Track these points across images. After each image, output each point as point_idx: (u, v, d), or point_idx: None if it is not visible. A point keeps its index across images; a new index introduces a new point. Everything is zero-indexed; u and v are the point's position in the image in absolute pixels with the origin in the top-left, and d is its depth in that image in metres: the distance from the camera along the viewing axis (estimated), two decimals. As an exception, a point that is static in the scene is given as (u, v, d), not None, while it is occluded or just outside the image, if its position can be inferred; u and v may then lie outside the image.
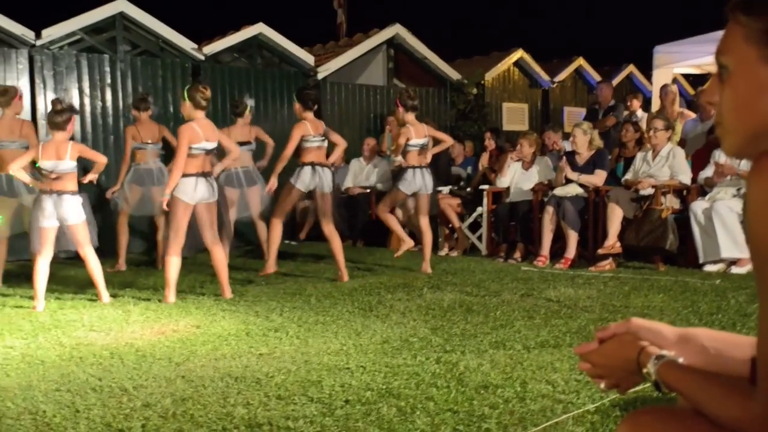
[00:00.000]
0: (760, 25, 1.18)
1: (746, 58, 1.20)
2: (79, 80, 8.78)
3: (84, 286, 6.26)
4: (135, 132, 7.54)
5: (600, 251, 6.93)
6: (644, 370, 1.40)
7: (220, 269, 5.86)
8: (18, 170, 5.47)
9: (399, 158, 7.07)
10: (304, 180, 6.54)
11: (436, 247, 8.44)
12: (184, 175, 5.63)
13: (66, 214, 5.49)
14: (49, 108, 8.34)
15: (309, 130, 6.53)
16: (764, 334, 1.15)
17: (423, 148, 7.01)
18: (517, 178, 8.16)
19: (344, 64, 10.91)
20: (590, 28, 27.35)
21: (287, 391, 3.30)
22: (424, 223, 7.09)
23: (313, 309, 5.30)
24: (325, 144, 6.73)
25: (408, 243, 7.12)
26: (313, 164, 6.54)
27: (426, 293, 5.85)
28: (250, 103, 7.85)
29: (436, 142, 7.63)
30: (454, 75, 11.94)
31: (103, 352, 4.12)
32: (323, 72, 10.63)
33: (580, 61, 13.54)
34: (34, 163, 5.65)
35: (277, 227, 6.77)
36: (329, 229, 6.67)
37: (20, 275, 6.93)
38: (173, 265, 5.68)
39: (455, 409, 3.01)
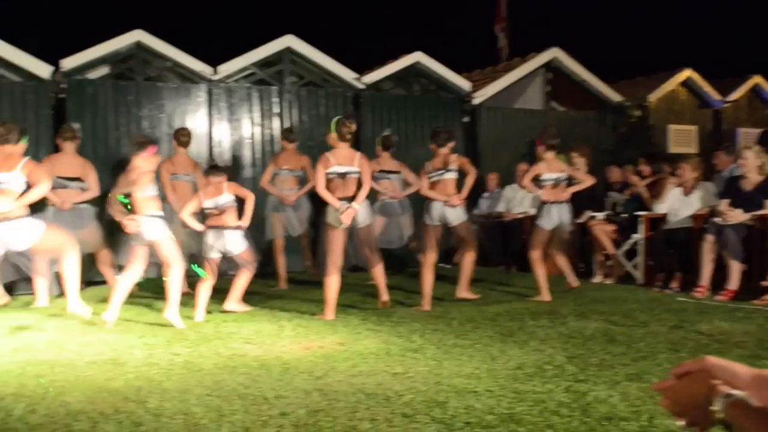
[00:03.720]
0: None
1: None
2: (251, 111, 9.51)
3: (247, 301, 6.76)
4: (278, 160, 8.16)
5: (764, 283, 6.48)
6: (712, 408, 1.40)
7: (379, 280, 6.38)
8: (188, 216, 6.23)
9: (538, 192, 7.18)
10: (432, 215, 6.82)
11: (588, 274, 8.26)
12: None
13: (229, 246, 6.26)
14: (225, 137, 9.18)
15: (437, 165, 6.87)
16: None
17: (558, 183, 7.09)
18: (677, 203, 7.81)
19: (501, 89, 10.98)
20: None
21: (413, 410, 3.44)
22: (556, 253, 7.33)
23: (453, 332, 5.41)
24: (450, 175, 6.88)
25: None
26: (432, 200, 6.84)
27: (570, 321, 5.77)
28: (392, 136, 8.38)
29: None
30: (615, 97, 11.63)
31: (253, 363, 4.47)
32: (479, 97, 10.76)
33: (757, 79, 12.69)
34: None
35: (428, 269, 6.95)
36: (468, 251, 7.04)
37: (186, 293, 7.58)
38: (331, 285, 6.07)
39: (574, 438, 3.00)
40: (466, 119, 10.68)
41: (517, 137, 10.98)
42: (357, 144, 9.83)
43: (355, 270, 8.41)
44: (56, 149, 7.57)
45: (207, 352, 4.83)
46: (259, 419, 3.34)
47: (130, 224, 5.73)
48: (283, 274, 8.11)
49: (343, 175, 6.12)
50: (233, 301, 6.44)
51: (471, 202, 10.52)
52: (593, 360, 4.43)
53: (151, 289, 7.64)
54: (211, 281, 6.24)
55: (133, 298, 6.75)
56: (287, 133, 8.28)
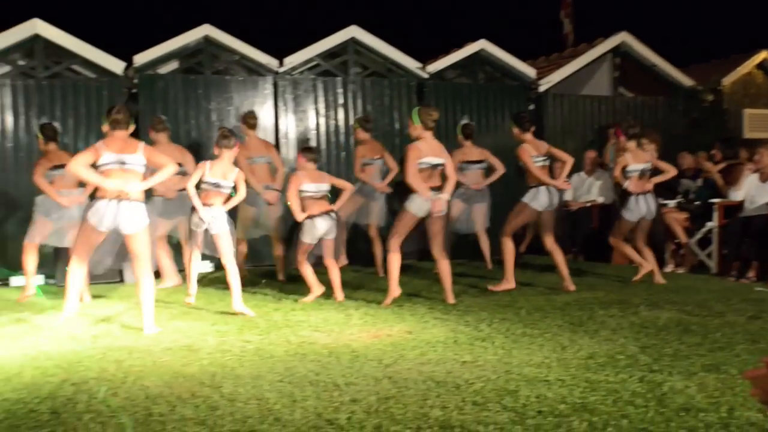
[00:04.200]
0: None
1: None
2: (315, 102, 9.59)
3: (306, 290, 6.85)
4: (361, 150, 8.15)
5: None
6: None
7: (444, 278, 6.28)
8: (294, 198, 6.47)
9: (625, 183, 7.11)
10: (540, 201, 6.80)
11: (661, 264, 8.07)
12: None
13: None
14: (291, 128, 9.29)
15: (532, 151, 6.79)
16: None
17: (644, 174, 7.10)
18: (754, 190, 7.55)
19: (567, 76, 10.77)
20: None
21: (483, 398, 3.43)
22: (640, 244, 7.26)
23: (522, 321, 5.36)
24: (548, 162, 6.92)
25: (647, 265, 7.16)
26: (542, 184, 6.79)
27: (641, 310, 5.65)
28: (471, 123, 8.36)
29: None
30: (686, 81, 11.27)
31: (322, 350, 4.53)
32: (545, 84, 10.58)
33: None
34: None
35: (509, 244, 7.03)
36: (551, 243, 6.89)
37: (252, 281, 7.73)
38: (394, 261, 6.22)
39: (650, 429, 2.94)
40: (531, 107, 10.53)
41: (584, 124, 10.78)
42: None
43: (421, 259, 8.42)
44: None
45: (277, 339, 4.92)
46: (331, 405, 3.39)
47: (204, 215, 5.89)
48: (381, 261, 8.17)
49: (434, 167, 6.14)
50: (340, 292, 6.57)
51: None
52: (667, 350, 4.34)
53: (220, 280, 7.83)
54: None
55: (204, 287, 6.92)
56: (364, 122, 8.27)
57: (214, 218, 5.94)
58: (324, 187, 6.59)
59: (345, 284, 7.42)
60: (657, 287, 6.82)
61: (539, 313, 5.67)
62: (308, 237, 6.49)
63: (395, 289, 6.22)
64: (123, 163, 5.23)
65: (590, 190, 9.56)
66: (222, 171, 5.97)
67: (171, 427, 3.13)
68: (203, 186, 5.98)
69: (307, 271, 6.57)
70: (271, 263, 8.23)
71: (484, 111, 10.09)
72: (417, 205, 6.14)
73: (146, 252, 5.27)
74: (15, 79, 8.52)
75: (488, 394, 3.50)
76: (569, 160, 6.94)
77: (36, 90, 8.50)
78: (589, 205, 9.41)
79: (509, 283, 6.89)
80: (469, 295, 6.66)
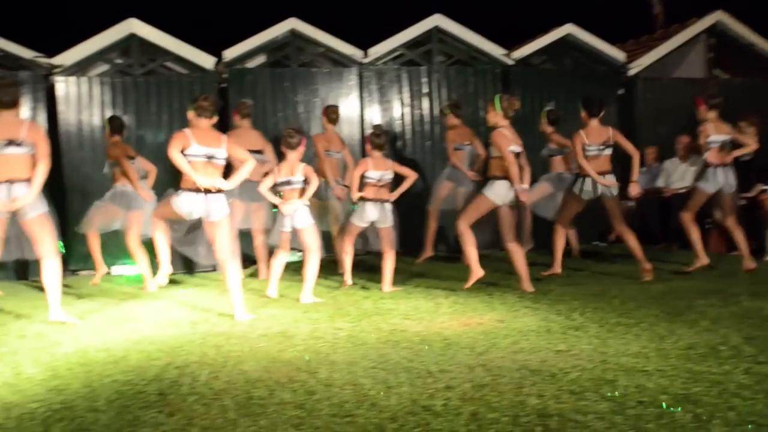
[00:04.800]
0: None
1: None
2: (400, 92, 9.61)
3: (402, 279, 6.91)
4: (451, 135, 8.17)
5: None
6: None
7: (519, 266, 6.25)
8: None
9: (705, 154, 6.88)
10: (587, 191, 6.72)
11: (760, 252, 7.73)
12: (498, 178, 6.12)
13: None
14: (376, 119, 9.35)
15: (585, 139, 6.72)
16: None
17: (724, 146, 6.81)
18: None
19: (658, 58, 10.42)
20: None
21: (580, 387, 3.38)
22: (732, 222, 6.96)
23: (615, 310, 5.24)
24: (608, 152, 6.77)
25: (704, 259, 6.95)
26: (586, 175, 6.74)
27: (743, 301, 5.42)
28: (556, 110, 8.22)
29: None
30: (788, 61, 10.71)
31: (414, 338, 4.55)
32: (635, 68, 10.27)
33: None
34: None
35: (560, 232, 7.15)
36: (622, 229, 6.78)
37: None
38: (468, 242, 6.24)
39: (760, 422, 2.83)
40: (621, 91, 10.24)
41: (677, 108, 10.35)
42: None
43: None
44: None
45: (368, 327, 4.97)
46: (426, 392, 3.40)
47: (285, 209, 6.03)
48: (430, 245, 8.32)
49: (517, 155, 6.15)
50: (388, 284, 6.60)
51: (626, 177, 10.14)
52: (773, 341, 4.15)
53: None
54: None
55: (291, 276, 7.05)
56: (454, 108, 8.26)
57: (296, 212, 6.08)
58: (387, 175, 6.56)
59: (431, 272, 7.47)
60: (759, 276, 6.53)
61: (633, 302, 5.53)
62: (357, 219, 6.58)
63: (477, 270, 6.20)
64: (210, 157, 5.40)
65: (684, 177, 9.23)
66: (289, 169, 6.14)
67: (271, 410, 3.22)
68: (277, 188, 6.17)
69: (346, 257, 6.69)
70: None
71: (571, 97, 9.79)
72: (497, 194, 6.13)
73: (228, 239, 5.43)
74: (113, 77, 8.90)
75: (585, 383, 3.45)
76: (635, 155, 6.78)
77: (132, 87, 8.84)
78: (683, 191, 9.08)
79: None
80: (558, 284, 6.55)
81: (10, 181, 5.16)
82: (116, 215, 7.30)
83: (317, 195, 7.19)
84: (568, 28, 10.04)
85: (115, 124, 7.41)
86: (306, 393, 3.45)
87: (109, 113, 8.72)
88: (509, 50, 9.96)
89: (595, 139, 6.69)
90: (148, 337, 4.81)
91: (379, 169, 6.54)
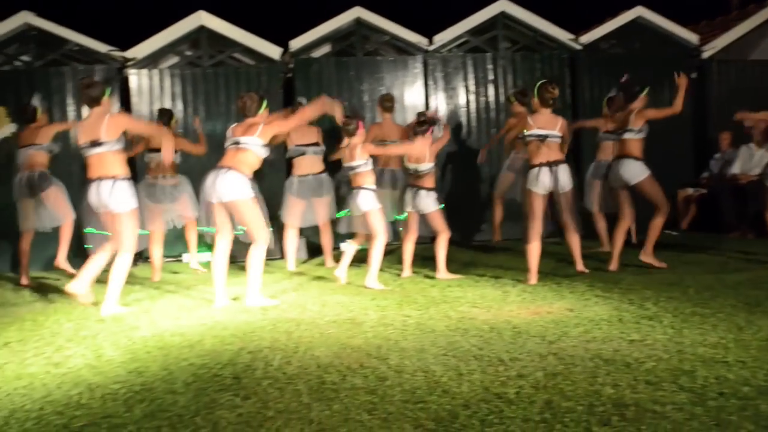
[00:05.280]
0: None
1: None
2: (465, 79, 9.54)
3: (468, 267, 6.87)
4: (517, 123, 8.06)
5: None
6: None
7: (573, 249, 6.43)
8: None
9: None
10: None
11: None
12: (532, 167, 6.16)
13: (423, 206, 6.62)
14: (441, 107, 9.30)
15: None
16: None
17: None
18: None
19: (734, 40, 10.06)
20: None
21: (657, 378, 3.30)
22: None
23: (690, 300, 5.10)
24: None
25: None
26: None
27: (827, 291, 5.21)
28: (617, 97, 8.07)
29: None
30: None
31: (483, 326, 4.53)
32: (709, 50, 9.95)
33: None
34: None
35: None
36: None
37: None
38: (533, 251, 6.11)
39: None
40: (693, 75, 9.93)
41: (754, 92, 10.00)
42: (575, 108, 9.58)
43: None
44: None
45: (437, 314, 4.97)
46: (497, 379, 3.38)
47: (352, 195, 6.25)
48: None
49: (543, 138, 6.10)
50: (442, 270, 6.62)
51: (700, 163, 9.84)
52: None
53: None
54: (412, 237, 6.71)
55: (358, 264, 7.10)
56: (521, 96, 8.11)
57: (362, 199, 6.19)
58: (426, 166, 6.57)
59: (496, 261, 7.41)
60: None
61: (709, 292, 5.37)
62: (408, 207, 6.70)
63: (533, 278, 6.12)
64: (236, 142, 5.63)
65: (761, 163, 8.91)
66: (351, 155, 6.27)
67: (343, 395, 3.25)
68: (349, 173, 6.28)
69: (404, 248, 6.77)
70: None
71: (642, 82, 9.55)
72: (534, 182, 6.09)
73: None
74: (183, 68, 9.10)
75: (661, 373, 3.37)
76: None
77: (201, 78, 9.03)
78: (758, 178, 8.76)
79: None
80: (629, 273, 6.42)
81: (100, 179, 5.39)
82: (162, 211, 7.47)
83: (380, 184, 7.26)
84: (639, 11, 9.79)
85: (163, 117, 7.55)
86: (377, 379, 3.47)
87: (179, 104, 8.95)
88: (577, 35, 9.78)
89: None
90: (221, 323, 4.92)
91: (418, 162, 6.59)
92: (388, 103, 7.97)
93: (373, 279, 6.18)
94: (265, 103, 5.67)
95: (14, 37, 8.78)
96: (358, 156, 6.22)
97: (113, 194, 5.35)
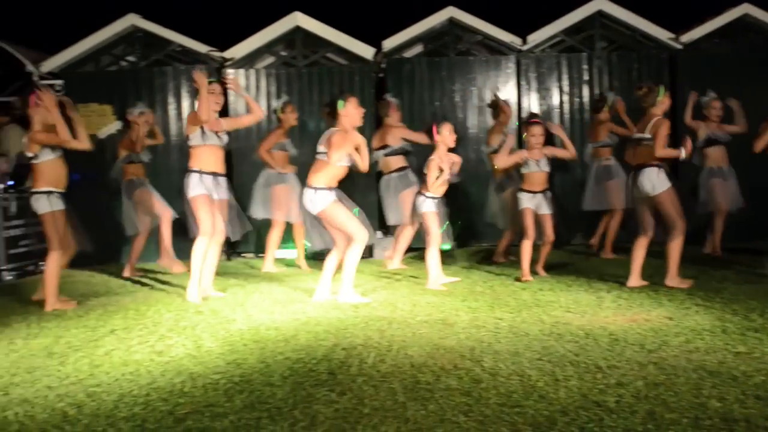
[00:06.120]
0: None
1: None
2: (559, 79, 9.36)
3: (560, 271, 6.76)
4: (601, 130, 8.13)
5: None
6: None
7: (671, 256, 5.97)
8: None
9: None
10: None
11: None
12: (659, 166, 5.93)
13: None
14: (534, 107, 9.18)
15: None
16: None
17: None
18: None
19: None
20: None
21: (767, 393, 3.16)
22: None
23: (800, 313, 4.85)
24: None
25: None
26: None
27: None
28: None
29: None
30: None
31: (578, 331, 4.44)
32: (822, 50, 9.41)
33: None
34: None
35: None
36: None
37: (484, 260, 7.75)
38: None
39: None
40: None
41: None
42: (673, 110, 9.23)
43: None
44: (379, 125, 8.15)
45: (529, 318, 4.90)
46: (596, 387, 3.31)
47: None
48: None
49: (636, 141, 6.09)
50: (540, 269, 6.66)
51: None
52: None
53: (464, 257, 8.01)
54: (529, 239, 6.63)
55: (448, 265, 7.09)
56: (597, 103, 8.24)
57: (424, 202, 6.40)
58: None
59: (591, 267, 7.25)
60: None
61: (820, 305, 5.09)
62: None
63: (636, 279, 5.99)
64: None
65: None
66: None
67: (438, 395, 3.25)
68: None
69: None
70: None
71: (747, 84, 9.16)
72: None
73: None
74: (278, 68, 9.30)
75: (773, 389, 3.22)
76: None
77: (296, 77, 9.20)
78: None
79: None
80: (732, 282, 6.15)
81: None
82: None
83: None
84: (745, 8, 9.35)
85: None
86: (472, 381, 3.45)
87: (274, 103, 9.12)
88: (677, 34, 9.43)
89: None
90: (314, 319, 5.00)
91: (536, 158, 6.70)
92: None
93: (434, 281, 6.30)
94: None
95: (121, 38, 9.18)
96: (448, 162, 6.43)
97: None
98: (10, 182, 8.15)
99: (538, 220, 6.68)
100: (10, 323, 5.27)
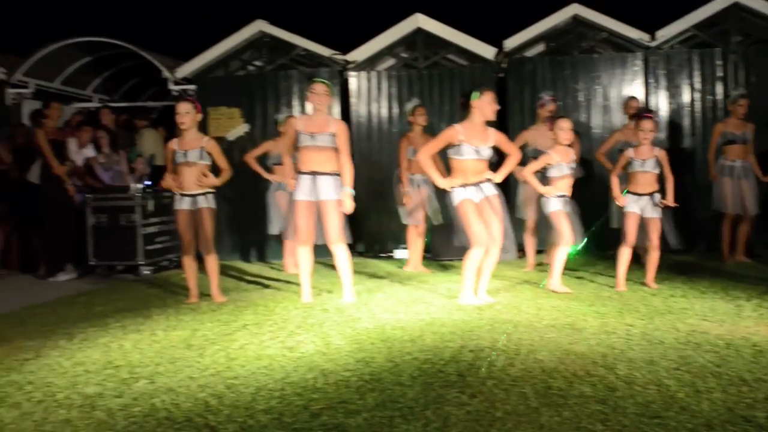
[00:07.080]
0: None
1: None
2: (690, 76, 8.95)
3: (691, 277, 6.46)
4: (722, 127, 7.84)
5: None
6: None
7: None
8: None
9: None
10: None
11: None
12: None
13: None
14: (662, 106, 8.83)
15: None
16: None
17: None
18: None
19: None
20: None
21: None
22: None
23: None
24: None
25: None
26: None
27: None
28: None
29: None
30: None
31: (717, 341, 4.22)
32: None
33: None
34: None
35: None
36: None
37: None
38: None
39: None
40: None
41: None
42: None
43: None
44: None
45: (663, 326, 4.70)
46: (742, 401, 3.14)
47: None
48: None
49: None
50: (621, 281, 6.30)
51: None
52: None
53: (590, 262, 7.79)
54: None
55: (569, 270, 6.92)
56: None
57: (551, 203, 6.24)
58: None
59: (715, 271, 6.90)
60: None
61: None
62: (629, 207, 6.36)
63: None
64: (478, 152, 5.60)
65: None
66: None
67: (572, 402, 3.18)
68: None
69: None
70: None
71: None
72: None
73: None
74: (399, 70, 9.39)
75: None
76: None
77: (417, 79, 9.26)
78: None
79: None
80: None
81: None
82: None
83: None
84: None
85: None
86: (606, 388, 3.35)
87: (395, 106, 9.24)
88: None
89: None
90: (439, 320, 5.00)
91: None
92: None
93: (554, 282, 6.19)
94: None
95: (249, 44, 9.54)
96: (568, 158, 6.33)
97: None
98: (148, 182, 8.63)
99: (643, 225, 6.20)
100: (151, 315, 5.58)
